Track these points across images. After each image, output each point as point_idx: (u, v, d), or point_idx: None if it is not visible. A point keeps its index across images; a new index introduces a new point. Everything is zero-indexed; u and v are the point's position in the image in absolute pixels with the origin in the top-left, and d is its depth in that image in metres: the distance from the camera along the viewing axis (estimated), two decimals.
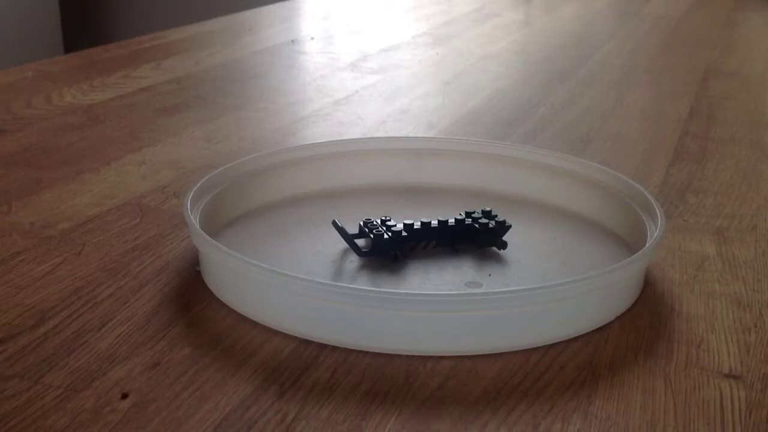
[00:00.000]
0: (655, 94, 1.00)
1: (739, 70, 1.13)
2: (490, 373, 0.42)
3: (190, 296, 0.48)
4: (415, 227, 0.53)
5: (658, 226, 0.50)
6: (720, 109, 0.93)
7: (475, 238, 0.54)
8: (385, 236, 0.51)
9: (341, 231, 0.52)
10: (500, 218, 0.54)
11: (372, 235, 0.52)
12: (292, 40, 1.26)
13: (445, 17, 1.51)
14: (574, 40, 1.34)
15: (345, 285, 0.47)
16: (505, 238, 0.54)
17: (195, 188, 0.53)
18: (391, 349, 0.43)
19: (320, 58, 1.16)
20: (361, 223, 0.53)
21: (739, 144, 0.80)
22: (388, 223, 0.53)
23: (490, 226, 0.53)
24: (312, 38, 1.29)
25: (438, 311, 0.43)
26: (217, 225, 0.55)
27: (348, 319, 0.43)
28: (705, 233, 0.59)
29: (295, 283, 0.44)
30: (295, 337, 0.44)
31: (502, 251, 0.53)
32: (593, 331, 0.46)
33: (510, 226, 0.54)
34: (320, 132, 0.81)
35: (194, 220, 0.50)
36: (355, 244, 0.52)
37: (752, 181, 0.70)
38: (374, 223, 0.53)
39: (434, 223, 0.53)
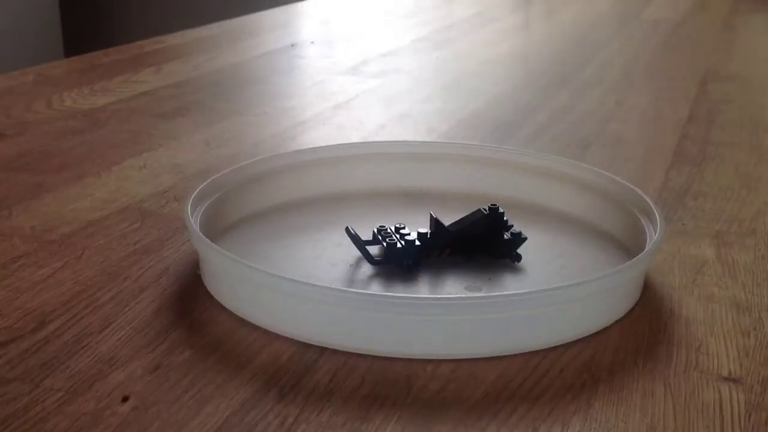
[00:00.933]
0: (655, 98, 1.00)
1: (738, 74, 1.13)
2: (490, 377, 0.42)
3: (191, 300, 0.48)
4: (429, 236, 0.52)
5: (658, 230, 0.50)
6: (719, 113, 0.93)
7: (491, 248, 0.53)
8: (398, 245, 0.51)
9: (354, 238, 0.51)
10: (516, 230, 0.53)
11: (385, 244, 0.51)
12: (292, 45, 1.26)
13: (444, 22, 1.52)
14: (573, 44, 1.35)
15: (344, 288, 0.47)
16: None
17: (195, 192, 0.53)
18: (391, 352, 0.43)
19: (320, 62, 1.16)
20: (375, 230, 0.53)
21: (739, 148, 0.81)
22: (402, 231, 0.52)
23: (506, 237, 0.53)
24: (312, 42, 1.29)
25: (437, 315, 0.43)
26: (217, 229, 0.55)
27: (348, 323, 0.43)
28: (704, 237, 0.59)
29: (295, 286, 0.44)
30: (295, 341, 0.44)
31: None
32: (593, 334, 0.46)
33: (525, 239, 0.53)
34: (320, 136, 0.81)
35: (194, 224, 0.50)
36: (368, 251, 0.51)
37: (751, 184, 0.70)
38: (388, 230, 0.53)
39: (448, 230, 0.52)
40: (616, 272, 0.46)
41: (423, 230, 0.52)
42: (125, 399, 0.39)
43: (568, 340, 0.45)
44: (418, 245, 0.51)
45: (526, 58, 1.26)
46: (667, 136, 0.84)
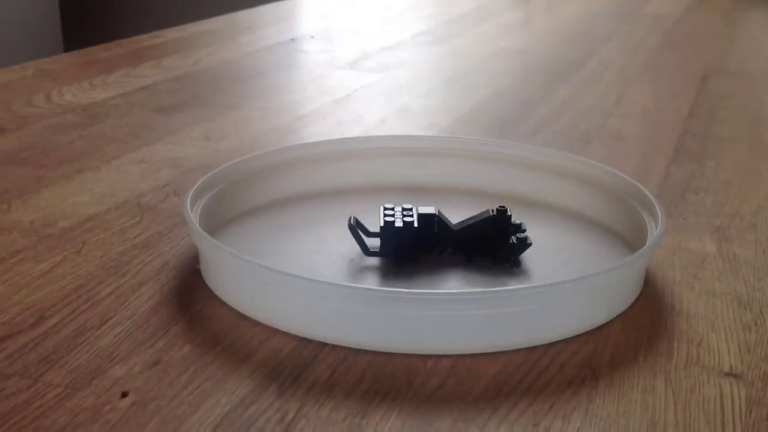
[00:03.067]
0: (656, 93, 1.00)
1: (739, 69, 1.13)
2: (490, 372, 0.42)
3: (190, 295, 0.48)
4: (430, 224, 0.51)
5: (659, 224, 0.50)
6: (720, 108, 0.93)
7: (494, 251, 0.52)
8: (393, 234, 0.51)
9: (352, 228, 0.51)
10: (522, 235, 0.52)
11: (380, 236, 0.51)
12: (292, 39, 1.26)
13: (445, 16, 1.51)
14: (574, 39, 1.34)
15: (345, 284, 0.47)
16: None
17: (195, 187, 0.53)
18: (391, 347, 0.43)
19: (320, 56, 1.16)
20: (382, 209, 0.52)
21: (739, 143, 0.80)
22: (407, 212, 0.52)
23: (511, 242, 0.52)
24: (312, 37, 1.29)
25: (438, 310, 0.43)
26: (216, 223, 0.55)
27: (348, 318, 0.43)
28: (705, 232, 0.59)
29: (295, 281, 0.43)
30: (295, 336, 0.44)
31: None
32: (593, 329, 0.46)
33: (530, 244, 0.52)
34: (320, 131, 0.81)
35: (194, 218, 0.50)
36: (364, 243, 0.51)
37: (752, 179, 0.70)
38: (393, 210, 0.52)
39: (452, 229, 0.52)
40: (617, 267, 0.46)
41: (424, 210, 0.52)
42: (125, 394, 0.39)
43: (569, 336, 0.45)
44: (411, 237, 0.51)
45: (527, 53, 1.25)
46: (667, 131, 0.84)
